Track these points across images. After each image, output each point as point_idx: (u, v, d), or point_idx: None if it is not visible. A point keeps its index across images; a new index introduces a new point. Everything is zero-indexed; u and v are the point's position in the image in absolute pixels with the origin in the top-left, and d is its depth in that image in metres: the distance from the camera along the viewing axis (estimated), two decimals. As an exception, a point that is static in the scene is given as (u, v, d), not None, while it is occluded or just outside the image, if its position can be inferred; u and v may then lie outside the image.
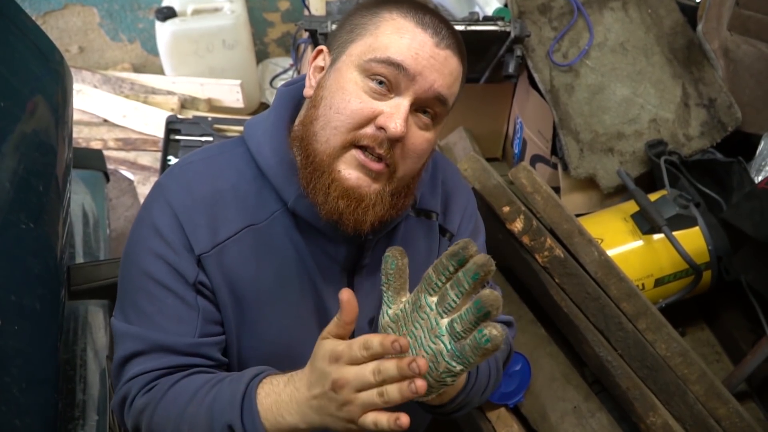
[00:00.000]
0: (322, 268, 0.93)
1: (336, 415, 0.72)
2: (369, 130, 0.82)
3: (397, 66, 0.81)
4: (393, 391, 0.69)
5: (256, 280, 0.89)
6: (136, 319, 0.88)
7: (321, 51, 0.90)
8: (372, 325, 0.99)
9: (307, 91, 0.89)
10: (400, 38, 0.82)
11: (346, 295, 0.72)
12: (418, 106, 0.84)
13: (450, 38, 0.84)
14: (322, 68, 0.89)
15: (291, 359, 0.95)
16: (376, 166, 0.83)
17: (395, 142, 0.82)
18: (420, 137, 0.85)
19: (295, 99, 0.93)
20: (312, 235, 0.91)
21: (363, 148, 0.82)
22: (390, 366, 0.69)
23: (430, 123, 0.86)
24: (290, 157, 0.88)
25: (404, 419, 0.69)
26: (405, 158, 0.85)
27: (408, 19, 0.83)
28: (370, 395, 0.70)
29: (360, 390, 0.70)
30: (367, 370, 0.70)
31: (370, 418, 0.70)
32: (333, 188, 0.83)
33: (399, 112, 0.81)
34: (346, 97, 0.82)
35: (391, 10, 0.84)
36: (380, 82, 0.82)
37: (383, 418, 0.70)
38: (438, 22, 0.84)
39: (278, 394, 0.77)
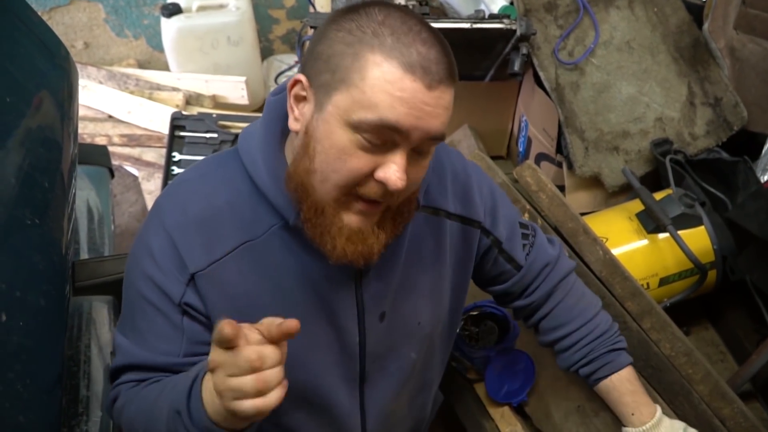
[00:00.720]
0: (328, 276, 0.92)
1: (220, 402, 0.71)
2: (371, 185, 0.80)
3: (390, 127, 0.76)
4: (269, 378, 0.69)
5: (258, 295, 0.90)
6: (131, 334, 0.92)
7: (299, 81, 0.83)
8: (383, 319, 0.99)
9: (293, 125, 0.84)
10: (389, 95, 0.75)
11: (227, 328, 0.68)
12: (414, 150, 0.81)
13: (441, 71, 0.78)
14: (304, 98, 0.83)
15: (306, 369, 0.96)
16: (375, 208, 0.84)
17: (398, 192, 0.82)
18: (415, 171, 0.83)
19: (284, 110, 0.90)
20: (312, 246, 0.90)
21: (366, 200, 0.82)
22: (269, 352, 0.69)
23: (427, 154, 0.84)
24: (285, 175, 0.87)
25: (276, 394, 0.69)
26: (403, 194, 0.85)
27: (394, 62, 0.75)
28: (243, 382, 0.68)
29: (230, 375, 0.69)
30: (237, 357, 0.68)
31: (248, 403, 0.69)
32: (339, 236, 0.83)
33: (398, 166, 0.79)
34: (342, 156, 0.79)
35: (374, 48, 0.76)
36: (378, 138, 0.78)
37: (248, 405, 0.68)
38: (426, 51, 0.77)
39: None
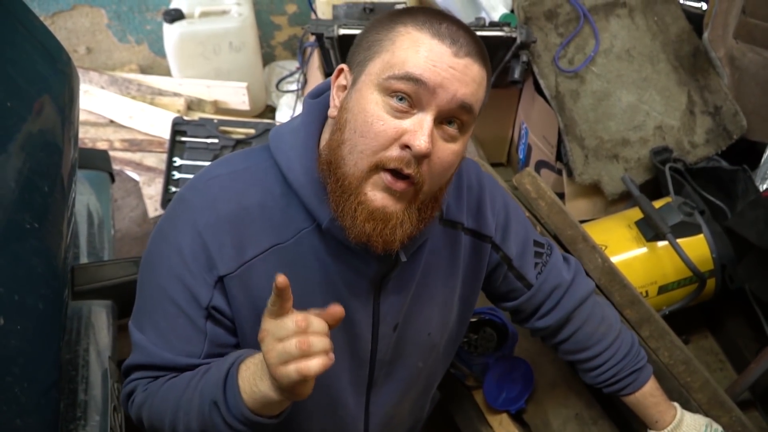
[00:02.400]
0: (350, 284, 0.92)
1: (268, 370, 0.73)
2: (394, 151, 0.80)
3: (416, 81, 0.79)
4: (317, 342, 0.71)
5: None
6: (150, 331, 0.90)
7: (342, 70, 0.87)
8: (396, 329, 1.00)
9: (332, 112, 0.87)
10: (416, 52, 0.80)
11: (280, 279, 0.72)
12: (443, 118, 0.82)
13: (469, 45, 0.82)
14: (345, 87, 0.86)
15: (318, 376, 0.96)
16: (401, 185, 0.81)
17: (422, 158, 0.81)
18: (446, 150, 0.83)
19: (323, 112, 0.91)
20: (342, 252, 0.90)
21: (391, 171, 0.81)
22: (315, 321, 0.72)
23: (456, 134, 0.84)
24: (322, 180, 0.87)
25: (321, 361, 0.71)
26: (432, 173, 0.83)
27: (423, 31, 0.81)
28: (289, 344, 0.70)
29: (279, 340, 0.71)
30: (285, 320, 0.71)
31: (292, 367, 0.70)
32: (359, 211, 0.82)
33: (423, 128, 0.79)
34: (369, 119, 0.80)
35: (406, 23, 0.82)
36: (401, 99, 0.80)
37: (293, 367, 0.70)
38: (455, 29, 0.82)
39: (255, 364, 0.79)
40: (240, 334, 0.91)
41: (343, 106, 0.84)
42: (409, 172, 0.80)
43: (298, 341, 0.70)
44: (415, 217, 0.85)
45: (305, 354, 0.70)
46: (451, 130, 0.83)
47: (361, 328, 0.96)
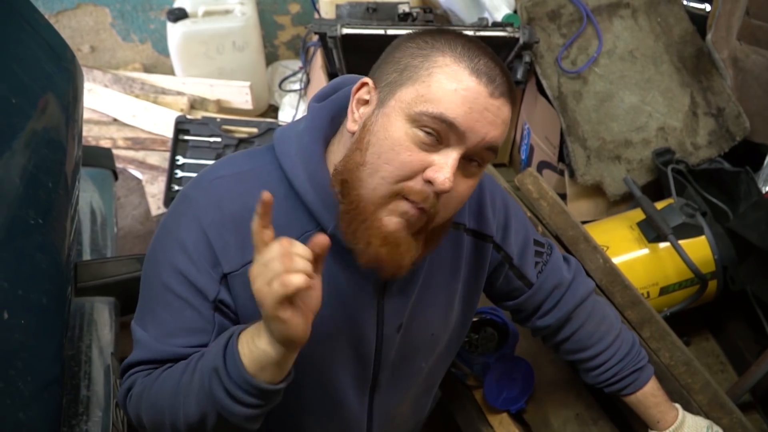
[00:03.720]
0: (354, 286, 0.92)
1: (258, 299, 0.73)
2: (417, 184, 0.80)
3: (449, 124, 0.78)
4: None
5: None
6: (153, 328, 0.89)
7: (365, 84, 0.86)
8: (399, 330, 1.00)
9: (351, 126, 0.86)
10: (453, 91, 0.79)
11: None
12: (466, 156, 0.82)
13: (504, 85, 0.82)
14: (366, 102, 0.86)
15: (320, 373, 0.96)
16: (415, 212, 0.82)
17: (441, 194, 0.81)
18: (464, 185, 0.84)
19: (329, 116, 0.91)
20: (345, 255, 0.89)
21: (408, 200, 0.82)
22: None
23: (476, 170, 0.85)
24: (326, 182, 0.87)
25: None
26: (446, 205, 0.84)
27: (462, 65, 0.80)
28: (273, 263, 0.71)
29: (266, 264, 0.72)
30: (275, 244, 0.72)
31: (276, 282, 0.70)
32: (374, 236, 0.82)
33: (447, 166, 0.79)
34: (396, 148, 0.80)
35: (444, 53, 0.81)
36: (429, 133, 0.79)
37: (277, 282, 0.70)
38: (493, 66, 0.81)
39: (254, 326, 0.78)
40: None
41: (366, 126, 0.83)
42: (425, 206, 0.81)
43: (282, 257, 0.70)
44: (422, 244, 0.86)
45: (288, 270, 0.70)
46: (472, 167, 0.84)
47: (365, 329, 0.96)
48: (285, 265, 0.70)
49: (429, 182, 0.80)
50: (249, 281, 0.86)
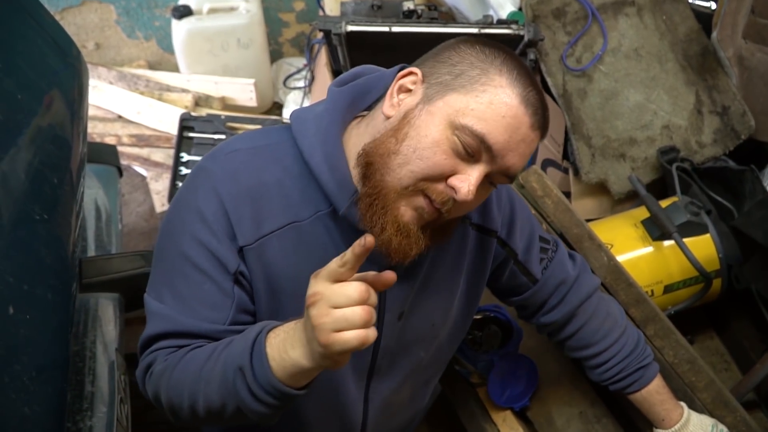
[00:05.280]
0: (360, 270, 0.93)
1: (312, 337, 0.71)
2: (440, 186, 0.84)
3: (486, 146, 0.82)
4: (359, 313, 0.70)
5: (295, 277, 0.90)
6: (171, 300, 0.89)
7: (413, 73, 0.88)
8: (401, 318, 1.00)
9: (388, 110, 0.87)
10: (501, 117, 0.82)
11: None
12: (489, 174, 0.86)
13: (543, 119, 0.86)
14: (409, 91, 0.87)
15: None
16: (434, 213, 0.86)
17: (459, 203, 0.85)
18: (478, 197, 0.87)
19: (349, 101, 0.92)
20: (355, 238, 0.90)
21: (425, 193, 0.85)
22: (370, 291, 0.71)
23: (490, 187, 0.89)
24: (342, 164, 0.88)
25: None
26: (458, 210, 0.88)
27: (516, 92, 0.83)
28: (352, 312, 0.70)
29: (334, 306, 0.70)
30: (346, 287, 0.71)
31: (351, 334, 0.70)
32: (390, 224, 0.85)
33: (473, 179, 0.83)
34: (433, 148, 0.82)
35: (502, 72, 0.83)
36: (466, 145, 0.82)
37: (353, 335, 0.69)
38: (539, 99, 0.85)
39: (286, 332, 0.77)
40: (256, 305, 0.92)
41: (407, 117, 0.85)
42: (442, 208, 0.85)
43: (364, 310, 0.70)
44: (428, 237, 0.89)
45: (367, 325, 0.70)
46: (489, 186, 0.88)
47: None
48: (365, 319, 0.70)
49: (452, 188, 0.83)
50: (262, 257, 0.88)
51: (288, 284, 0.90)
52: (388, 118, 0.87)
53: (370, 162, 0.85)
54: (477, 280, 1.09)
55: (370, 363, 1.03)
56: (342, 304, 0.70)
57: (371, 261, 0.92)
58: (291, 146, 0.91)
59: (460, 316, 1.11)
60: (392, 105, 0.87)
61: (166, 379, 0.86)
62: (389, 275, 0.73)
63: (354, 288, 0.70)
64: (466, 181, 0.83)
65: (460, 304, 1.09)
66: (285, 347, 0.76)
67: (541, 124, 0.86)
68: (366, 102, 0.94)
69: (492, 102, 0.82)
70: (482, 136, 0.81)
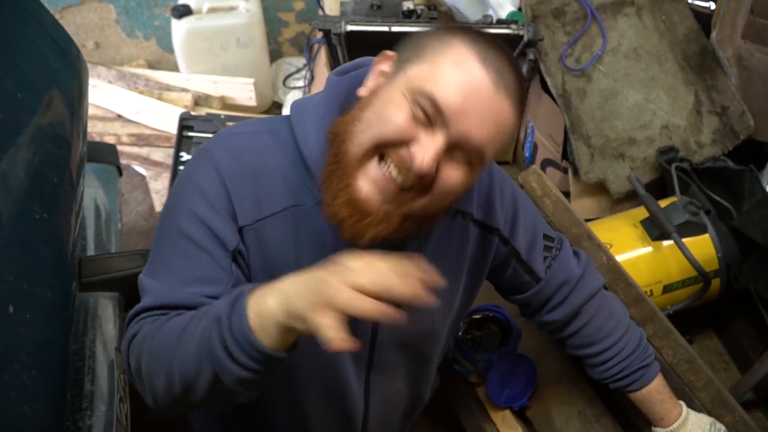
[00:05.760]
0: (312, 248, 0.92)
1: (304, 294, 0.68)
2: (401, 152, 0.80)
3: (437, 108, 0.78)
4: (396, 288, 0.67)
5: (294, 261, 0.88)
6: (165, 276, 0.86)
7: (388, 56, 0.87)
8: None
9: (362, 91, 0.87)
10: (453, 74, 0.79)
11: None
12: (456, 146, 0.81)
13: (512, 82, 0.80)
14: (384, 74, 0.86)
15: (319, 347, 0.96)
16: (391, 186, 0.81)
17: (422, 177, 0.80)
18: (453, 173, 0.82)
19: (346, 90, 0.91)
20: (332, 225, 0.89)
21: (384, 161, 0.81)
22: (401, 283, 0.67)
23: (463, 163, 0.83)
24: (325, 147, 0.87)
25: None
26: (433, 192, 0.82)
27: (473, 52, 0.80)
28: (366, 304, 0.66)
29: (352, 286, 0.66)
30: (381, 268, 0.67)
31: (326, 320, 0.65)
32: (343, 194, 0.82)
33: (431, 147, 0.78)
34: (394, 110, 0.80)
35: (462, 40, 0.81)
36: (422, 110, 0.79)
37: (365, 304, 0.65)
38: (504, 61, 0.80)
39: (271, 284, 0.73)
40: None
41: (375, 91, 0.85)
42: (403, 178, 0.80)
43: (409, 283, 0.67)
44: (395, 222, 0.83)
45: (374, 313, 0.66)
46: (460, 158, 0.82)
47: None
48: (410, 288, 0.67)
49: (410, 156, 0.79)
50: (261, 238, 0.86)
51: (285, 267, 0.88)
52: (362, 98, 0.86)
53: (336, 132, 0.84)
54: (476, 277, 1.09)
55: (368, 357, 1.03)
56: (378, 269, 0.67)
57: (322, 239, 0.89)
58: (289, 135, 0.91)
59: (458, 310, 1.11)
60: (367, 88, 0.87)
61: (147, 344, 0.81)
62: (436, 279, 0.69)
63: (388, 275, 0.67)
64: (423, 148, 0.78)
65: (459, 300, 1.09)
66: (264, 296, 0.72)
67: (507, 86, 0.80)
68: None
69: (446, 64, 0.79)
70: (431, 95, 0.78)
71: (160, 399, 0.81)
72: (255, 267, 0.89)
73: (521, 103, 0.83)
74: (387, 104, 0.81)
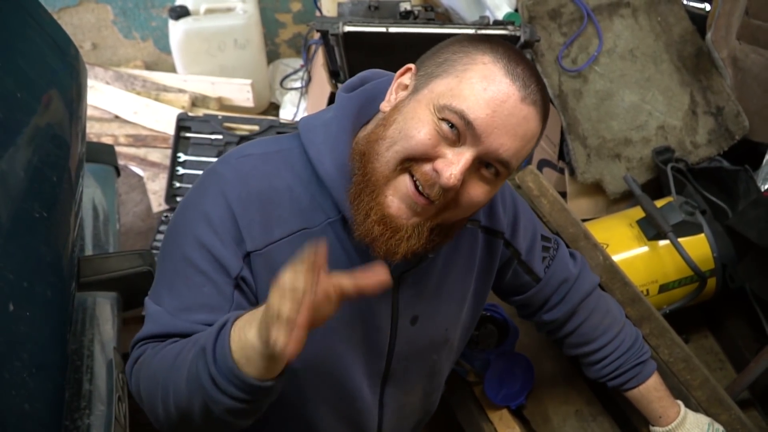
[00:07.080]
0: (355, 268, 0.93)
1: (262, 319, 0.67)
2: (426, 168, 0.80)
3: (467, 122, 0.78)
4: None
5: None
6: (169, 302, 0.87)
7: (409, 69, 0.87)
8: (414, 323, 1.00)
9: (384, 106, 0.87)
10: (482, 90, 0.79)
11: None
12: (482, 161, 0.82)
13: (537, 95, 0.81)
14: (406, 86, 0.86)
15: (331, 362, 0.96)
16: (421, 200, 0.81)
17: (448, 191, 0.81)
18: (478, 189, 0.84)
19: (358, 107, 0.91)
20: (365, 245, 0.88)
21: (415, 182, 0.81)
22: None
23: (492, 178, 0.84)
24: (351, 170, 0.87)
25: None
26: (456, 206, 0.84)
27: (499, 65, 0.80)
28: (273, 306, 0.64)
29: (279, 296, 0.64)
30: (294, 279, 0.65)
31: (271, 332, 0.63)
32: (374, 212, 0.82)
33: (458, 163, 0.79)
34: (419, 126, 0.80)
35: (485, 52, 0.81)
36: (451, 126, 0.80)
37: (282, 335, 0.62)
38: (530, 75, 0.81)
39: (252, 314, 0.72)
40: None
41: (398, 106, 0.84)
42: (429, 192, 0.81)
43: (287, 304, 0.63)
44: (425, 235, 0.85)
45: (290, 325, 0.63)
46: (487, 173, 0.83)
47: (380, 321, 0.97)
48: (285, 313, 0.63)
49: (436, 172, 0.80)
50: (270, 263, 0.86)
51: None
52: (384, 113, 0.87)
53: (362, 152, 0.84)
54: (485, 282, 1.10)
55: (384, 369, 1.03)
56: (295, 287, 0.64)
57: (333, 260, 0.87)
58: (301, 153, 0.90)
59: (469, 317, 1.11)
60: (389, 101, 0.87)
61: (145, 369, 0.83)
62: (378, 268, 0.68)
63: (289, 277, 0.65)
64: (451, 164, 0.79)
65: (469, 307, 1.10)
66: (244, 326, 0.71)
67: (534, 99, 0.81)
68: (374, 107, 0.93)
69: (472, 78, 0.80)
70: (461, 111, 0.78)
71: (163, 425, 0.83)
72: (265, 292, 0.87)
73: (546, 112, 0.84)
74: (411, 120, 0.81)
